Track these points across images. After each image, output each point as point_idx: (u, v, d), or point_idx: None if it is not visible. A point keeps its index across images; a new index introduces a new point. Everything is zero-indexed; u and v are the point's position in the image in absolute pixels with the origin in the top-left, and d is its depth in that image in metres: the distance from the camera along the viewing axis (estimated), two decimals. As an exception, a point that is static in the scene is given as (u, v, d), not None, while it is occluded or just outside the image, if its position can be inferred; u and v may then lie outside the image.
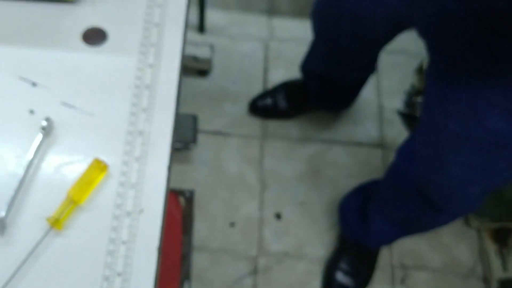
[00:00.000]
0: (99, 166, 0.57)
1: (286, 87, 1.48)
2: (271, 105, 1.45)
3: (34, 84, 0.61)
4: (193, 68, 1.46)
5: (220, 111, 1.45)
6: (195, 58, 1.43)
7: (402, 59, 1.53)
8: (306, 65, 1.31)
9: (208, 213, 1.32)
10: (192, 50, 1.43)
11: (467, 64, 0.70)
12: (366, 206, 1.16)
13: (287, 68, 1.51)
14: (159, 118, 0.61)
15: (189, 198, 1.26)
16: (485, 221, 1.29)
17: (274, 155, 1.40)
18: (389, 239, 1.21)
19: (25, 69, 0.61)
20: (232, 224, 1.31)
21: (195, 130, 1.33)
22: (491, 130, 0.70)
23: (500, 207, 1.25)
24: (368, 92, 1.47)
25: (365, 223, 1.17)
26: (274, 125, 1.44)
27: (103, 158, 0.58)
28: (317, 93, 1.36)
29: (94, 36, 0.64)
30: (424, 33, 0.78)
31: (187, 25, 0.68)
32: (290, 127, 1.44)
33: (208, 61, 1.45)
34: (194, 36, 1.52)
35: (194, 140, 1.33)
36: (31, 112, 0.59)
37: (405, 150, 0.97)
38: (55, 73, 0.62)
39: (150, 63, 0.64)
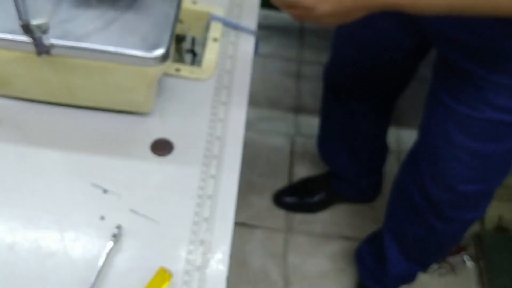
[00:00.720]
0: (164, 275, 0.59)
1: (311, 182, 1.52)
2: (296, 200, 1.49)
3: (105, 191, 0.65)
4: (222, 160, 1.51)
5: (245, 203, 1.48)
6: (225, 151, 1.49)
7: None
8: (322, 136, 1.38)
9: (231, 307, 1.31)
10: (222, 144, 1.49)
11: (473, 55, 0.77)
12: (381, 248, 1.19)
13: (312, 163, 1.56)
14: (219, 227, 0.65)
15: (214, 291, 1.26)
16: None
17: (298, 250, 1.41)
18: (406, 275, 1.23)
19: (97, 176, 0.66)
20: (254, 321, 1.30)
21: (222, 222, 1.36)
22: (498, 108, 0.79)
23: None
24: (391, 192, 1.51)
25: (382, 263, 1.20)
26: (298, 219, 1.46)
27: (166, 265, 0.60)
28: (340, 174, 1.41)
29: (162, 147, 0.69)
30: (434, 38, 0.85)
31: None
32: (314, 222, 1.46)
33: (237, 154, 1.50)
34: (224, 129, 1.59)
35: (221, 232, 1.35)
36: (102, 218, 0.63)
37: (411, 151, 1.02)
38: (124, 181, 0.66)
39: (212, 174, 0.69)
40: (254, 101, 1.72)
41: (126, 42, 0.59)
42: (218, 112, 0.74)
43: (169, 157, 0.69)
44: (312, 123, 1.65)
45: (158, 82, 0.69)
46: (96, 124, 0.70)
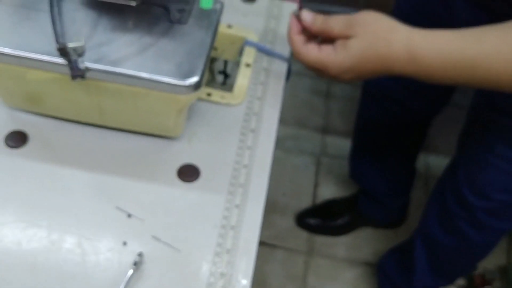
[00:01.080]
0: (183, 307, 0.58)
1: (335, 204, 1.50)
2: (319, 222, 1.47)
3: (129, 216, 0.64)
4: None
5: (267, 222, 1.47)
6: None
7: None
8: (354, 152, 1.37)
9: (247, 328, 1.29)
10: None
11: None
12: (408, 258, 1.18)
13: (337, 185, 1.53)
14: (241, 261, 0.63)
15: (231, 311, 1.25)
16: None
17: (318, 274, 1.39)
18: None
19: (122, 199, 0.65)
20: None
21: (243, 240, 1.35)
22: None
23: None
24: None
25: (406, 274, 1.19)
26: (320, 241, 1.44)
27: (186, 297, 0.59)
28: (369, 192, 1.39)
29: (189, 173, 0.68)
30: None
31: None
32: (336, 245, 1.44)
33: (262, 172, 1.49)
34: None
35: (241, 250, 1.33)
36: (124, 243, 0.62)
37: (451, 160, 1.02)
38: (149, 206, 0.65)
39: (236, 203, 0.67)
40: (281, 119, 1.69)
41: (160, 68, 0.59)
42: (247, 139, 0.73)
43: (195, 184, 0.68)
44: (339, 144, 1.63)
45: (189, 107, 0.68)
46: (124, 146, 0.70)
